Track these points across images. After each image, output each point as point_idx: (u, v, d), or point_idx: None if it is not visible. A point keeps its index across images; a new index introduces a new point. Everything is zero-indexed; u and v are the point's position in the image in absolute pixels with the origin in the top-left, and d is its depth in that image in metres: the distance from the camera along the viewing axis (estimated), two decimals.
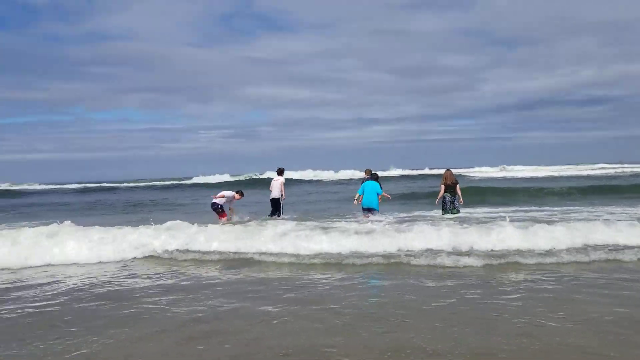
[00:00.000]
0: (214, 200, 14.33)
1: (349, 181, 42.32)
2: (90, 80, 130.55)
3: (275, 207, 14.76)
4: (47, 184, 58.49)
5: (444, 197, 14.06)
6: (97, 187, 49.16)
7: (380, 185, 13.51)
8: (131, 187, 47.58)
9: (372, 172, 14.16)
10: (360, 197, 13.28)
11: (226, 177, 52.56)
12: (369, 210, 13.21)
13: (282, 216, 14.50)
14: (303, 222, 11.52)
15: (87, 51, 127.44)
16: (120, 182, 57.30)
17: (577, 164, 63.56)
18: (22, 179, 57.60)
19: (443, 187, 14.03)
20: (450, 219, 12.90)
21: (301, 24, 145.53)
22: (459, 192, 14.02)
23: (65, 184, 60.37)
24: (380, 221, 11.42)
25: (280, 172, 15.14)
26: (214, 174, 55.32)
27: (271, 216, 14.55)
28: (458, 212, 14.04)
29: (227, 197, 14.39)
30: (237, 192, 14.59)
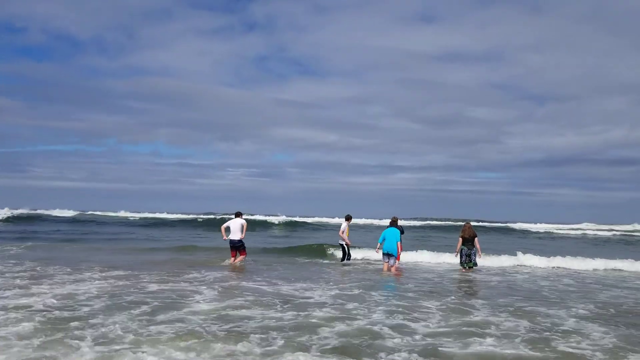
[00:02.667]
0: (235, 237, 14.07)
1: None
2: (124, 113, 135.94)
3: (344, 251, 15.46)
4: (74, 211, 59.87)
5: (461, 250, 14.34)
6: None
7: (400, 231, 13.66)
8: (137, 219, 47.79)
9: (394, 218, 14.38)
10: (381, 245, 13.67)
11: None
12: (388, 255, 13.54)
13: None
14: None
15: (123, 85, 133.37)
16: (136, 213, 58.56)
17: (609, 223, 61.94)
18: (49, 205, 58.68)
19: (461, 239, 14.33)
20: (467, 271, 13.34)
21: (333, 70, 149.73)
22: (477, 245, 14.28)
23: (89, 211, 62.10)
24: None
25: (348, 218, 15.39)
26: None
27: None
28: (475, 264, 14.27)
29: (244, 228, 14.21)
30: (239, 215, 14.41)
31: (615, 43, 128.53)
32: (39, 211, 48.74)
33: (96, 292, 9.14)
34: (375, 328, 6.92)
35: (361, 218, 58.63)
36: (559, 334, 6.87)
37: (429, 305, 8.69)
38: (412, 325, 7.18)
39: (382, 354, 5.74)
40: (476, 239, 14.33)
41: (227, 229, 14.29)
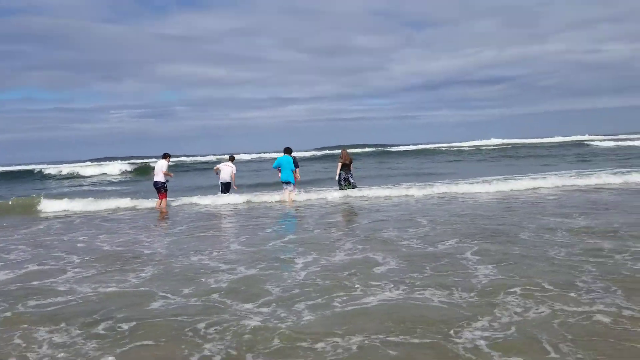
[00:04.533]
0: (158, 179, 14.34)
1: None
2: None
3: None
4: None
5: (339, 174, 15.66)
6: None
7: (295, 164, 14.45)
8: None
9: (287, 148, 14.87)
10: (279, 171, 14.41)
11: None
12: (286, 183, 14.39)
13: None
14: None
15: None
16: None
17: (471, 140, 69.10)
18: None
19: (340, 164, 15.58)
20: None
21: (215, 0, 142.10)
22: (352, 169, 15.67)
23: None
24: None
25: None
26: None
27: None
28: (354, 186, 15.75)
29: (165, 170, 14.38)
30: (165, 157, 14.57)
31: None
32: None
33: None
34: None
35: (256, 153, 59.15)
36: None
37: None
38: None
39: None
40: (351, 164, 15.66)
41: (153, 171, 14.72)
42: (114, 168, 39.20)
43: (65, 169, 39.50)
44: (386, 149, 60.88)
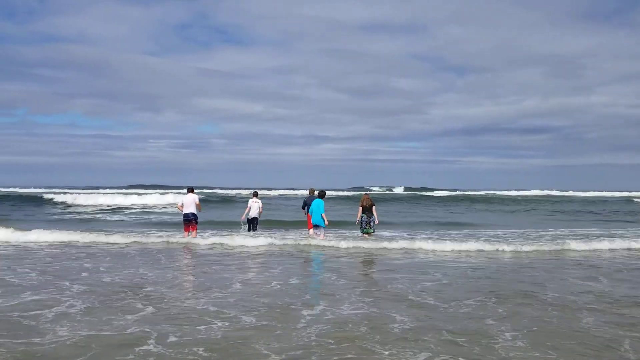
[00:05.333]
0: (191, 211, 14.72)
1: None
2: (35, 81, 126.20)
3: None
4: None
5: (361, 218, 15.14)
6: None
7: (323, 204, 14.52)
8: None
9: (317, 191, 15.14)
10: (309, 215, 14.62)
11: None
12: (316, 226, 14.57)
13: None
14: None
15: (34, 52, 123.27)
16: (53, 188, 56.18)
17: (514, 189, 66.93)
18: None
19: (361, 208, 15.15)
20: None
21: (257, 39, 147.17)
22: (374, 213, 15.12)
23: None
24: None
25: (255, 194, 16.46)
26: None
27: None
28: (373, 231, 15.16)
29: (197, 202, 14.89)
30: (192, 190, 15.01)
31: (529, 17, 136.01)
32: None
33: None
34: None
35: (288, 189, 59.27)
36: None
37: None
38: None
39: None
40: (374, 207, 15.17)
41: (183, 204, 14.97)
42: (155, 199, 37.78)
43: (106, 199, 37.72)
44: (419, 192, 59.62)
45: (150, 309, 6.48)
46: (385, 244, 13.60)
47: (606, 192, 68.32)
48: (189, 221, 14.87)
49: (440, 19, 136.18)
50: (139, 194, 39.95)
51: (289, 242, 13.99)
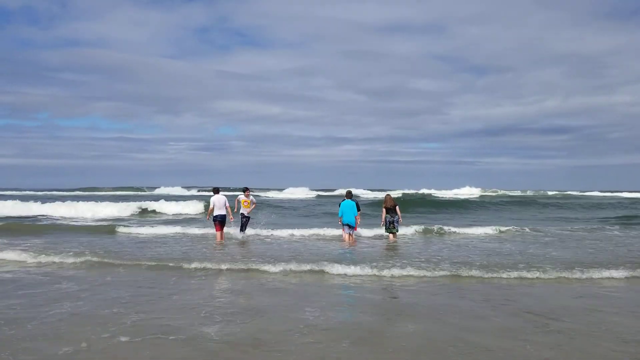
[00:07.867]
0: (222, 212, 14.70)
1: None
2: (58, 85, 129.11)
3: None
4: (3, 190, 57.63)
5: (386, 218, 15.15)
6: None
7: (357, 207, 14.65)
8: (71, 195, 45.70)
9: (348, 192, 15.17)
10: (341, 218, 14.69)
11: None
12: (348, 227, 14.63)
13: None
14: None
15: (56, 56, 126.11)
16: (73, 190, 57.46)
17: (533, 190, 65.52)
18: None
19: (384, 209, 15.14)
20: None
21: (275, 41, 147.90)
22: (398, 212, 15.10)
23: (25, 190, 60.13)
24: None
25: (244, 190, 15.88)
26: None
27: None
28: (397, 230, 15.21)
29: (228, 205, 14.73)
30: (217, 191, 14.80)
31: (551, 16, 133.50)
32: None
33: None
34: None
35: (311, 190, 59.40)
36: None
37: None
38: None
39: None
40: (397, 207, 15.15)
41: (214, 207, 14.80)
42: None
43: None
44: (434, 194, 58.04)
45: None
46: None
47: (634, 194, 66.47)
48: (221, 222, 14.77)
49: (460, 19, 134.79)
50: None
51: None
